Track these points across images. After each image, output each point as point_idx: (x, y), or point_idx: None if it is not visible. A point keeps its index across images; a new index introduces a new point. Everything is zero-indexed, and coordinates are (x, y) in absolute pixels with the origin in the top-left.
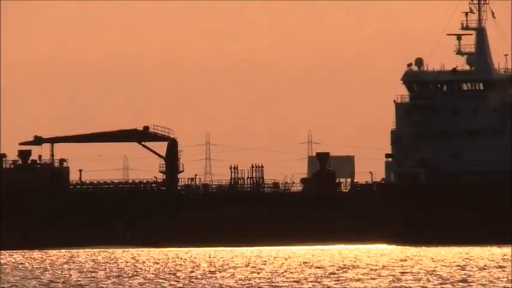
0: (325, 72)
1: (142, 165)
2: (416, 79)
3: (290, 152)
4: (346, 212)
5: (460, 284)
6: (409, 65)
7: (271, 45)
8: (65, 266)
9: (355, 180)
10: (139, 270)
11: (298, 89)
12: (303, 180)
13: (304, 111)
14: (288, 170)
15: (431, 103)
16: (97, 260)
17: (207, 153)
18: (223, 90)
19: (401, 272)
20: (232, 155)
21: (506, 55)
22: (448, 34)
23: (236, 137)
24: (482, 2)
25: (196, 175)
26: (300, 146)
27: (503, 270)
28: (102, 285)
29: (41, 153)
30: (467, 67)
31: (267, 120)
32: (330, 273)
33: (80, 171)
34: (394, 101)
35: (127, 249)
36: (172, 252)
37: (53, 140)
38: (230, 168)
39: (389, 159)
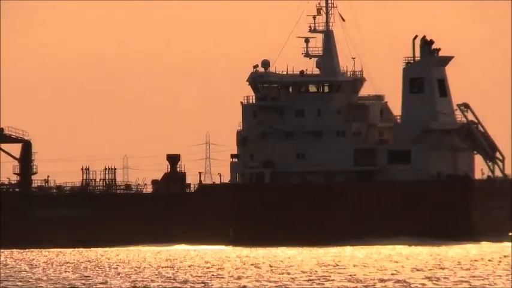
0: (170, 73)
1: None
2: (262, 80)
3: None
4: (191, 213)
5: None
6: (255, 66)
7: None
8: None
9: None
10: None
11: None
12: (153, 182)
13: (162, 114)
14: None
15: (277, 104)
16: None
17: (207, 153)
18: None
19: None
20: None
21: (354, 58)
22: (298, 37)
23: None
24: (330, 5)
25: (48, 176)
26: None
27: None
28: None
29: None
30: (317, 70)
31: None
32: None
33: None
34: (241, 102)
35: None
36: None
37: None
38: (82, 169)
39: (235, 160)
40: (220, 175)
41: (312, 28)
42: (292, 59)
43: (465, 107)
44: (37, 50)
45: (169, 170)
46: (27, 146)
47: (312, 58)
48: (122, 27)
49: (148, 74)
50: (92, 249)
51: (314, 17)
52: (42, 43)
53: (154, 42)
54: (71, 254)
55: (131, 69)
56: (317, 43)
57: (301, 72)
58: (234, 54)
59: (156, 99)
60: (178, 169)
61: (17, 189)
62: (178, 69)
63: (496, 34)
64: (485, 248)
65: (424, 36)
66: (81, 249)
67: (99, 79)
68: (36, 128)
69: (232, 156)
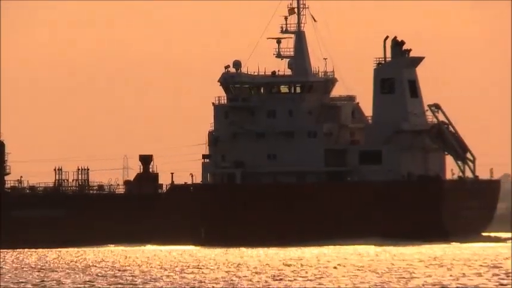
0: (143, 73)
1: None
2: (234, 81)
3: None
4: (163, 213)
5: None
6: (227, 67)
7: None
8: None
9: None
10: None
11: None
12: (125, 182)
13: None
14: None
15: (248, 105)
16: None
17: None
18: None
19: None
20: None
21: (325, 59)
22: (268, 38)
23: None
24: (302, 6)
25: (21, 176)
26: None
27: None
28: None
29: None
30: (289, 71)
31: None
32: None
33: None
34: (213, 102)
35: None
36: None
37: None
38: (54, 169)
39: (207, 160)
40: (192, 175)
41: (284, 29)
42: (264, 60)
43: (436, 107)
44: (37, 50)
45: (141, 170)
46: (0, 146)
47: (284, 59)
48: (116, 28)
49: (142, 74)
50: (65, 249)
51: (286, 18)
52: (42, 43)
53: (143, 43)
54: (42, 255)
55: (126, 70)
56: (289, 44)
57: (273, 73)
58: (205, 54)
59: (153, 99)
60: (150, 169)
61: None
62: (149, 67)
63: (467, 34)
64: (477, 250)
65: (395, 37)
66: (54, 250)
67: (94, 79)
68: (11, 129)
69: (204, 156)
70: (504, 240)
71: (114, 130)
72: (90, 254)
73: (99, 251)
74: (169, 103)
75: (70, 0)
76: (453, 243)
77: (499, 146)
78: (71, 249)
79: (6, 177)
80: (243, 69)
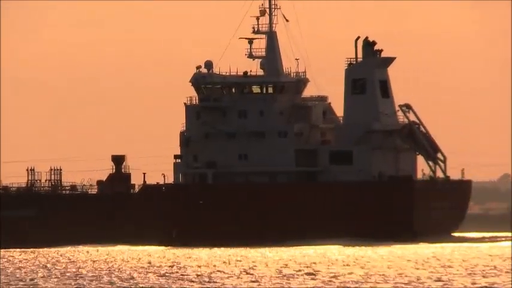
0: (115, 75)
1: None
2: (205, 81)
3: None
4: (135, 213)
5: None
6: (198, 67)
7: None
8: None
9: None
10: None
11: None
12: (98, 182)
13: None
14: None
15: (220, 105)
16: None
17: None
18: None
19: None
20: None
21: (297, 59)
22: (240, 38)
23: None
24: (273, 6)
25: None
26: None
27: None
28: None
29: None
30: (262, 71)
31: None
32: None
33: None
34: (185, 103)
35: None
36: None
37: None
38: (27, 170)
39: (178, 161)
40: (164, 176)
41: (256, 29)
42: (235, 60)
43: (407, 107)
44: (38, 50)
45: (114, 170)
46: None
47: (256, 59)
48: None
49: (115, 74)
50: (38, 249)
51: (257, 18)
52: (43, 43)
53: (116, 43)
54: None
55: (100, 70)
56: (261, 44)
57: (245, 73)
58: (177, 54)
59: (125, 99)
60: (123, 170)
61: None
62: (121, 68)
63: (440, 35)
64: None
65: (367, 37)
66: (27, 250)
67: (71, 80)
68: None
69: (175, 156)
70: (475, 240)
71: (86, 130)
72: (81, 255)
73: (73, 251)
74: (141, 103)
75: (70, 0)
76: (422, 243)
77: (471, 146)
78: (44, 250)
79: None
80: (215, 70)
